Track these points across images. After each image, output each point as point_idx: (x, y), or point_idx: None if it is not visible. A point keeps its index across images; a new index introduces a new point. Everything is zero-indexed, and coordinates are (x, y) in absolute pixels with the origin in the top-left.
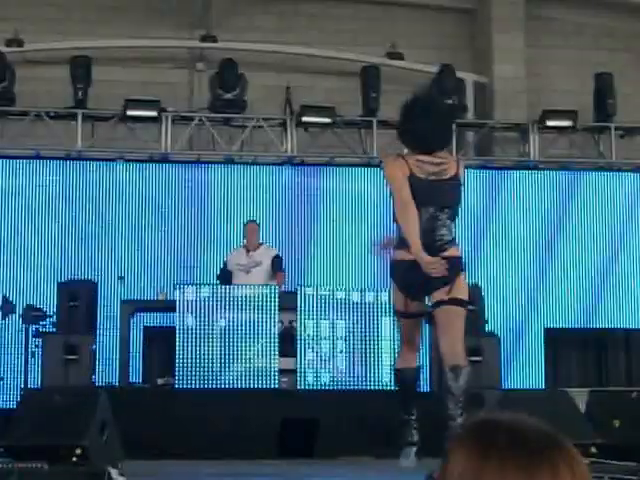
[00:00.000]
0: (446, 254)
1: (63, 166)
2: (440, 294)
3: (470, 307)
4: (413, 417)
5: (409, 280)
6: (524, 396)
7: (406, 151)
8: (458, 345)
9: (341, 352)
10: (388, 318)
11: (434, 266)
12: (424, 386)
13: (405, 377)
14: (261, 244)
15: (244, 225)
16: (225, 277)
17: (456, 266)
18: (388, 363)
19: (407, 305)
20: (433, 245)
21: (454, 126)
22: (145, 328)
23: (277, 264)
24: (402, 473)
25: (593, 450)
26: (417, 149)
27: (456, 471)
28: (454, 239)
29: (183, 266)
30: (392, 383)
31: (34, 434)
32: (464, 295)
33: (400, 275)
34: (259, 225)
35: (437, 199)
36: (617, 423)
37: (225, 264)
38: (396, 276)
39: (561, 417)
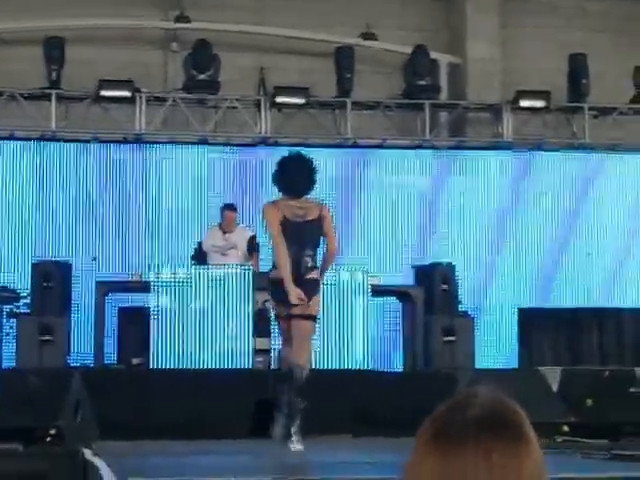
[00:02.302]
0: (307, 277)
1: (37, 147)
2: (298, 309)
3: (443, 287)
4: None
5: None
6: (497, 375)
7: (280, 196)
8: (304, 354)
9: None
10: (362, 297)
11: (294, 297)
12: (397, 365)
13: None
14: (237, 225)
15: (221, 208)
16: (200, 257)
17: (313, 287)
18: (361, 342)
19: (279, 311)
20: (299, 271)
21: (317, 177)
22: (120, 309)
23: (253, 244)
24: (357, 451)
25: (565, 428)
26: (287, 195)
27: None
28: (315, 266)
29: (157, 247)
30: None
31: (8, 415)
32: (316, 312)
33: (275, 290)
34: (236, 210)
35: (301, 237)
36: (590, 402)
37: (200, 244)
38: (272, 291)
39: (534, 396)
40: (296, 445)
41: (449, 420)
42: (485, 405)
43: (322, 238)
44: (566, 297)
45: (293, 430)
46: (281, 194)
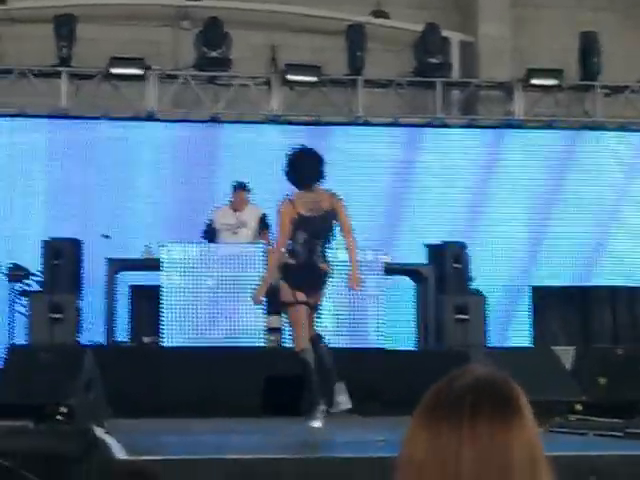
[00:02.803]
0: (319, 266)
1: (48, 124)
2: (310, 297)
3: (455, 266)
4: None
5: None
6: (510, 354)
7: (295, 192)
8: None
9: (327, 310)
10: (375, 276)
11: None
12: (409, 344)
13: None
14: (247, 203)
15: (233, 187)
16: (211, 236)
17: (323, 278)
18: (374, 322)
19: (295, 296)
20: (310, 259)
21: (324, 168)
22: (131, 287)
23: (264, 222)
24: (368, 430)
25: (579, 407)
26: (298, 187)
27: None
28: (325, 258)
29: (169, 224)
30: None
31: (20, 392)
32: (318, 302)
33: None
34: (246, 188)
35: (315, 230)
36: (603, 381)
37: (210, 222)
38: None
39: (547, 375)
40: (315, 423)
41: (441, 394)
42: (477, 379)
43: (336, 229)
44: (579, 275)
45: (320, 408)
46: (295, 189)
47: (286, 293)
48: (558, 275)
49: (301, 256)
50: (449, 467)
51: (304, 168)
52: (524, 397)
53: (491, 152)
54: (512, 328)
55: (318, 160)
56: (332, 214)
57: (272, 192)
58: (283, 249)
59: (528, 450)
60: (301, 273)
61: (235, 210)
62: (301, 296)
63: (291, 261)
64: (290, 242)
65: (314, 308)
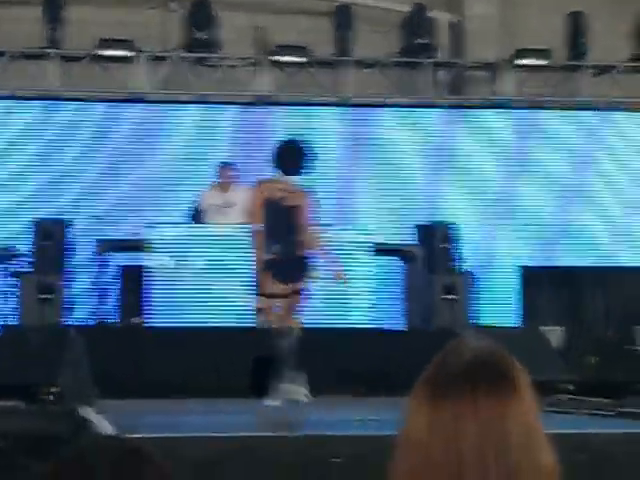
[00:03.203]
0: (274, 258)
1: (37, 106)
2: (294, 285)
3: (445, 246)
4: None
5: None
6: (499, 333)
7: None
8: (293, 320)
9: (316, 290)
10: (364, 256)
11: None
12: (398, 324)
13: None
14: (235, 185)
15: (219, 166)
16: (198, 216)
17: (308, 263)
18: (363, 302)
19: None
20: (269, 251)
21: (307, 163)
22: (120, 267)
23: None
24: (357, 410)
25: (570, 387)
26: (276, 168)
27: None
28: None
29: (158, 206)
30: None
31: (10, 373)
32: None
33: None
34: (233, 167)
35: (277, 219)
36: (594, 360)
37: (198, 203)
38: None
39: (537, 355)
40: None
41: (439, 369)
42: (472, 354)
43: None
44: (569, 256)
45: (284, 386)
46: (273, 172)
47: (264, 285)
48: (549, 256)
49: (276, 250)
50: (451, 442)
51: (285, 155)
52: (523, 373)
53: (479, 132)
54: (501, 308)
55: (301, 153)
56: (298, 207)
57: (261, 173)
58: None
59: (525, 424)
60: (279, 265)
61: (222, 191)
62: (277, 288)
63: (268, 255)
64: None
65: (296, 293)
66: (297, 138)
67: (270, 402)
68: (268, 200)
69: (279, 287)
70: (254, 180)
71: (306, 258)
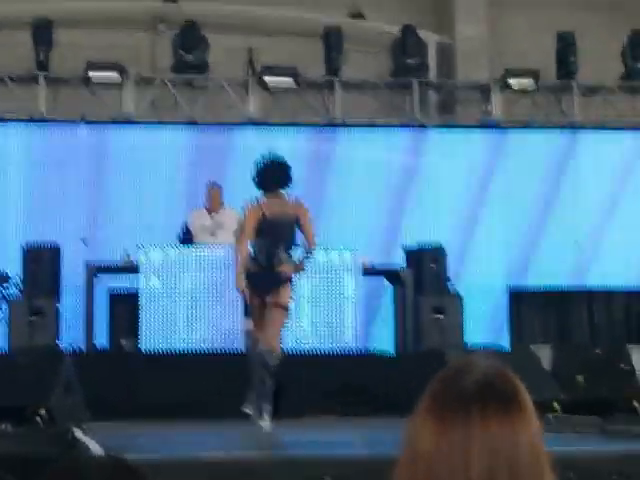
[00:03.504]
0: (278, 270)
1: (26, 129)
2: (270, 298)
3: (432, 267)
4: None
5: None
6: (490, 353)
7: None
8: (275, 338)
9: (305, 312)
10: (352, 277)
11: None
12: (387, 346)
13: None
14: (222, 204)
15: (207, 187)
16: (187, 238)
17: (283, 279)
18: (352, 324)
19: (252, 300)
20: (269, 263)
21: (290, 173)
22: (109, 290)
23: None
24: (345, 431)
25: (556, 406)
26: (264, 190)
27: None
28: (287, 260)
29: (146, 228)
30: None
31: None
32: (286, 302)
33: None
34: (221, 187)
35: (275, 233)
36: (581, 378)
37: (186, 225)
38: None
39: (525, 374)
40: (265, 424)
41: (447, 388)
42: (481, 374)
43: (298, 234)
44: (555, 276)
45: (265, 409)
46: (261, 193)
47: (249, 298)
48: (536, 276)
49: (260, 263)
50: (458, 459)
51: (270, 173)
52: (527, 394)
53: (469, 153)
54: (490, 328)
55: (284, 167)
56: (296, 220)
57: (250, 195)
58: (246, 245)
59: (532, 444)
60: (260, 277)
61: (210, 211)
62: (259, 300)
63: (252, 268)
64: (251, 249)
65: (281, 307)
66: (271, 154)
67: (261, 422)
68: (264, 217)
69: (257, 299)
70: (244, 200)
71: (287, 276)
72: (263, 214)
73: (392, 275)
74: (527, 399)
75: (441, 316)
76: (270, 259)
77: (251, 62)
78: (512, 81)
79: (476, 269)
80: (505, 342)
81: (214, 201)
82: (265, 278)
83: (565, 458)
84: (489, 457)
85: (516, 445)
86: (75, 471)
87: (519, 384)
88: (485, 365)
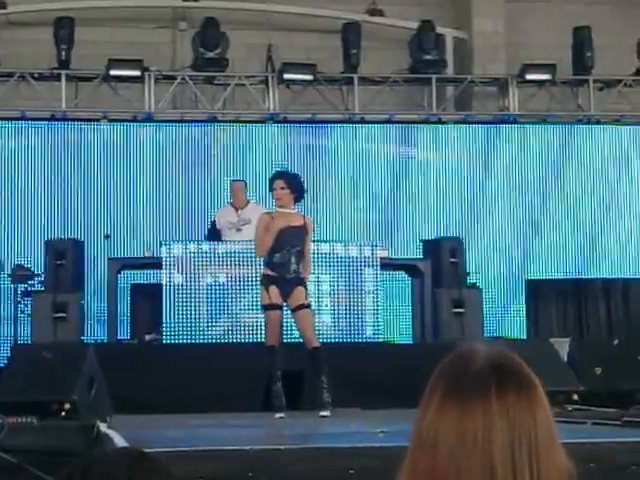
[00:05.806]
0: (290, 277)
1: (48, 126)
2: (292, 303)
3: (451, 260)
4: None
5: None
6: (507, 346)
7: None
8: (314, 337)
9: (326, 306)
10: (372, 271)
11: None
12: (405, 339)
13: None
14: (248, 202)
15: (230, 184)
16: (215, 235)
17: (297, 282)
18: (371, 317)
19: (270, 300)
20: (287, 271)
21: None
22: (132, 285)
23: None
24: (367, 422)
25: (575, 397)
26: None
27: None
28: (298, 267)
29: (169, 224)
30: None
31: (24, 389)
32: (306, 301)
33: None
34: (245, 183)
35: (288, 241)
36: (599, 370)
37: (214, 222)
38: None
39: (544, 366)
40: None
41: (460, 374)
42: (490, 357)
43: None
44: (573, 268)
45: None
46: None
47: (264, 297)
48: (554, 268)
49: (277, 268)
50: (481, 439)
51: (302, 187)
52: (536, 377)
53: (486, 147)
54: (508, 321)
55: (297, 182)
56: (304, 230)
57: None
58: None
59: (548, 426)
60: (277, 281)
61: (236, 208)
62: (276, 300)
63: (269, 272)
64: (268, 255)
65: (304, 308)
66: (287, 169)
67: (282, 415)
68: (279, 229)
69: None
70: (267, 201)
71: (300, 277)
72: (275, 223)
73: (411, 268)
74: (534, 375)
75: (460, 309)
76: (285, 268)
77: (270, 59)
78: (529, 76)
79: (494, 262)
80: (523, 334)
81: (237, 196)
82: (283, 283)
83: (585, 449)
84: (509, 434)
85: (534, 420)
86: (96, 463)
87: (522, 362)
88: (487, 348)
